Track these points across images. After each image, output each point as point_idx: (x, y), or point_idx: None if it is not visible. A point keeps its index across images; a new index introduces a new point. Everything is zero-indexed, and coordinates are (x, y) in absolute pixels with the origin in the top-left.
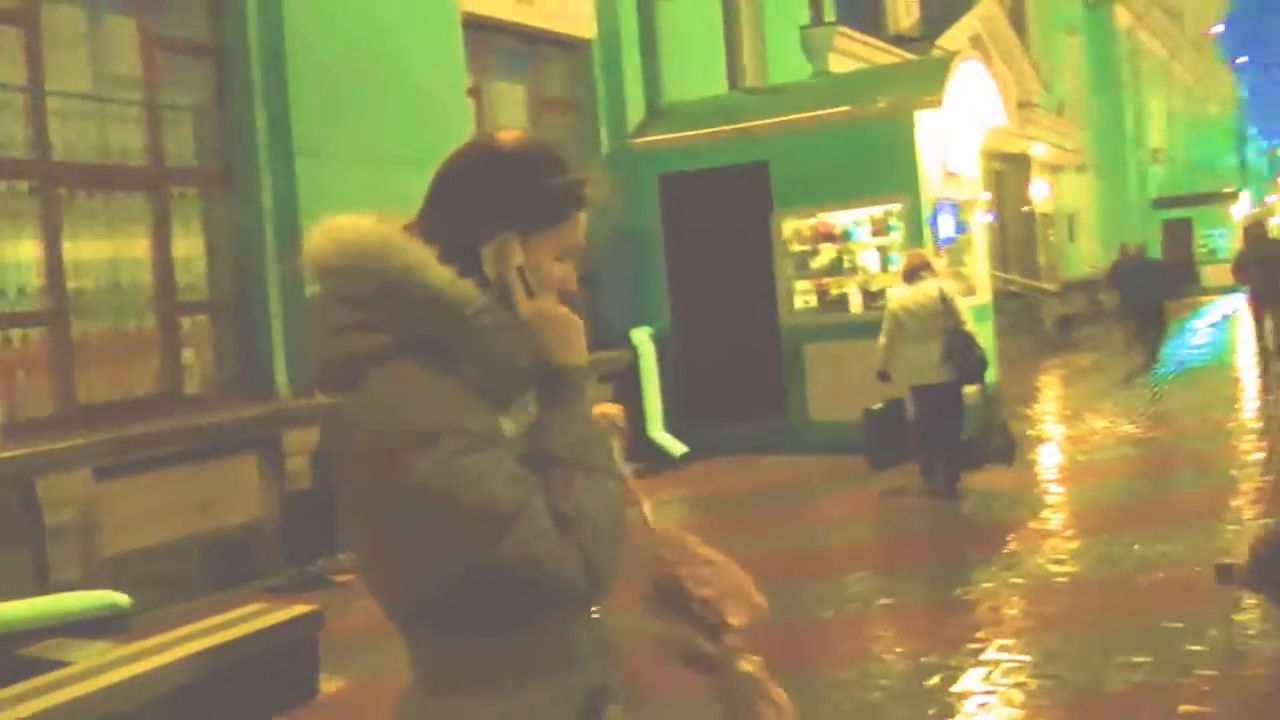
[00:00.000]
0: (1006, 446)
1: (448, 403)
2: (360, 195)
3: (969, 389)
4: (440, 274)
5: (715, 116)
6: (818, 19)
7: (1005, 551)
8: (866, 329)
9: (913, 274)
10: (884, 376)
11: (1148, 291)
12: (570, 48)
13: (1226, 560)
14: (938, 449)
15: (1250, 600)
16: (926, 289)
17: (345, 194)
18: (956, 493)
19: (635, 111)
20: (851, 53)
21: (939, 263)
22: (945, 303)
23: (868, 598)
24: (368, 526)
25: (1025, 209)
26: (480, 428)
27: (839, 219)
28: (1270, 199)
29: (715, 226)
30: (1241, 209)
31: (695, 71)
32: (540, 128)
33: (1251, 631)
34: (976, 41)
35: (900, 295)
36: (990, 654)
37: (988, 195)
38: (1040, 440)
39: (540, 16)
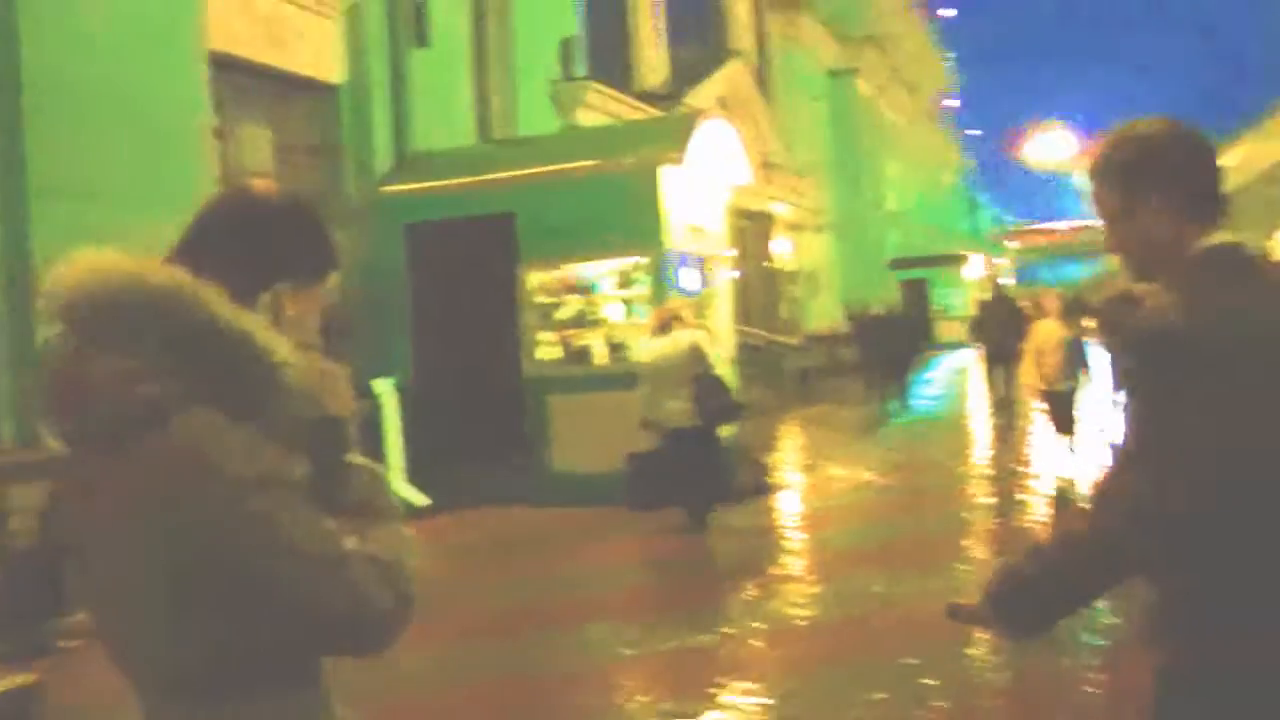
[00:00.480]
0: (760, 483)
1: (265, 452)
2: (98, 237)
3: (724, 430)
4: (251, 322)
5: (463, 167)
6: (568, 73)
7: (746, 597)
8: (610, 381)
9: (664, 326)
10: (647, 425)
11: (894, 346)
12: (319, 92)
13: (956, 600)
14: (697, 489)
15: (981, 636)
16: (678, 339)
17: (83, 235)
18: (706, 526)
19: (383, 159)
20: (601, 108)
21: (688, 313)
22: (695, 351)
23: (611, 648)
24: (160, 583)
25: (768, 265)
26: (299, 477)
27: (584, 271)
28: (999, 260)
29: (462, 277)
30: (972, 271)
31: (444, 121)
32: (287, 173)
33: (983, 665)
34: (722, 102)
35: (654, 346)
36: (729, 698)
37: (732, 251)
38: (781, 488)
39: (288, 59)
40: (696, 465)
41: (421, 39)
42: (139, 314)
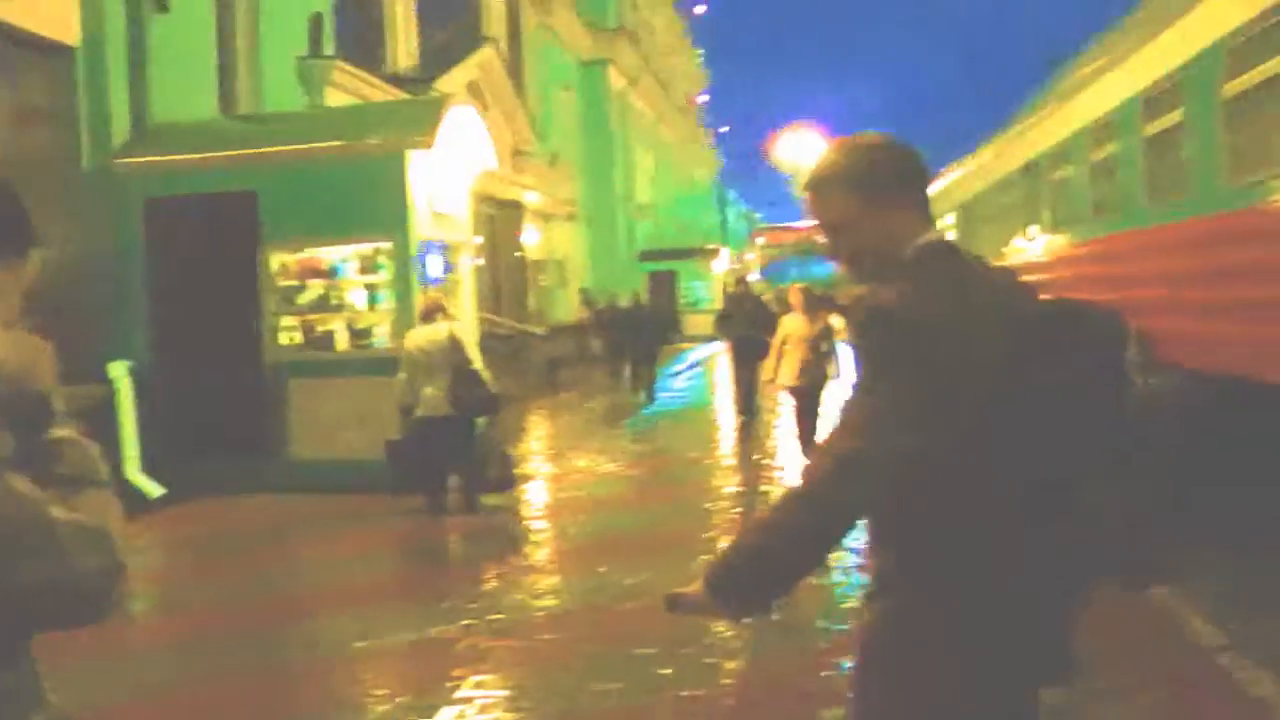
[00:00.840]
0: (507, 475)
1: None
2: None
3: (479, 421)
4: None
5: (205, 141)
6: (316, 51)
7: (486, 588)
8: (353, 366)
9: (428, 315)
10: (406, 411)
11: (642, 336)
12: (52, 53)
13: (676, 590)
14: (447, 478)
15: (721, 625)
16: (439, 330)
17: None
18: (477, 508)
19: (120, 129)
20: (349, 88)
21: (450, 304)
22: (454, 342)
23: (348, 641)
24: None
25: (517, 254)
26: (3, 453)
27: (328, 255)
28: (748, 256)
29: (202, 256)
30: (721, 264)
31: (186, 92)
32: (18, 139)
33: (721, 651)
34: (473, 88)
35: (415, 335)
36: (465, 692)
37: (479, 239)
38: (526, 478)
39: (18, 13)
40: (452, 453)
41: (161, 3)
42: None
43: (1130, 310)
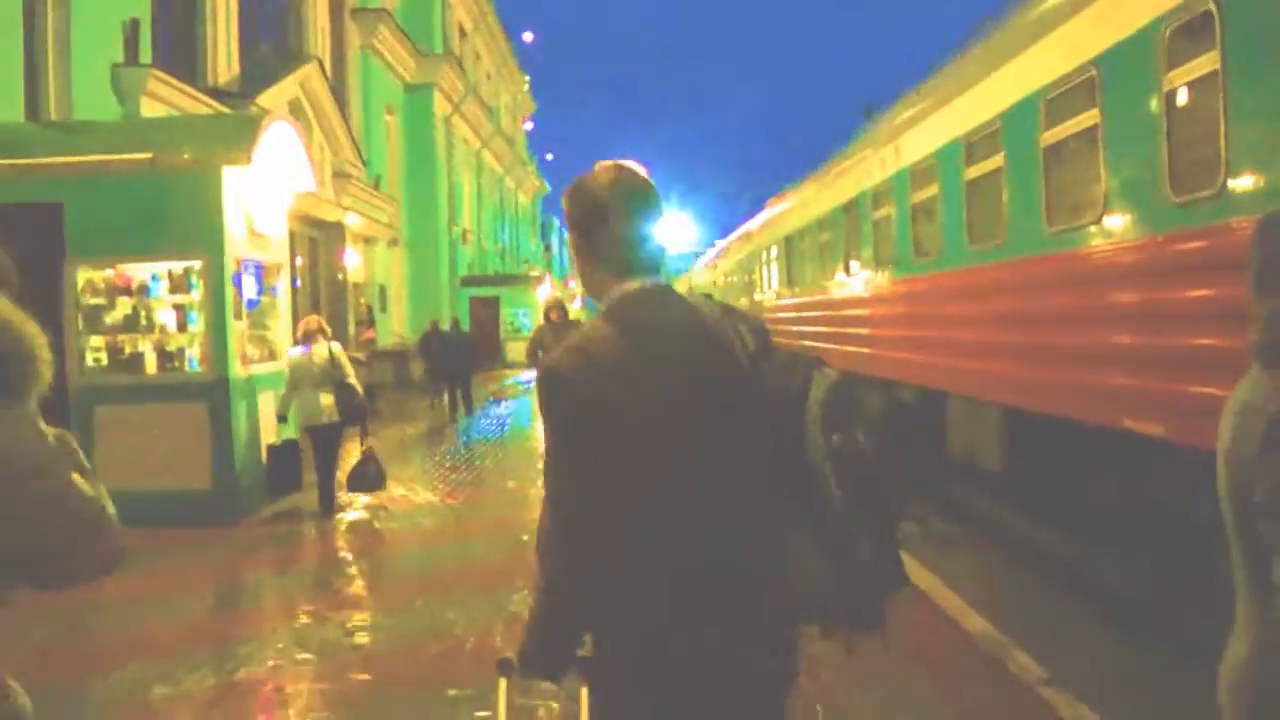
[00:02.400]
0: (377, 474)
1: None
2: None
3: (350, 428)
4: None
5: (7, 147)
6: (131, 58)
7: (296, 625)
8: (164, 392)
9: (309, 337)
10: (282, 419)
11: (456, 361)
12: None
13: (504, 655)
14: (328, 477)
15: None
16: (320, 350)
17: None
18: (335, 510)
19: None
20: (166, 99)
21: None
22: (334, 360)
23: (148, 687)
24: None
25: (339, 277)
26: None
27: (138, 272)
28: (571, 284)
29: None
30: (544, 291)
31: None
32: None
33: (540, 692)
34: (296, 106)
35: (298, 354)
36: None
37: (299, 260)
38: (340, 508)
39: None
40: (330, 456)
41: None
42: None
43: (939, 347)
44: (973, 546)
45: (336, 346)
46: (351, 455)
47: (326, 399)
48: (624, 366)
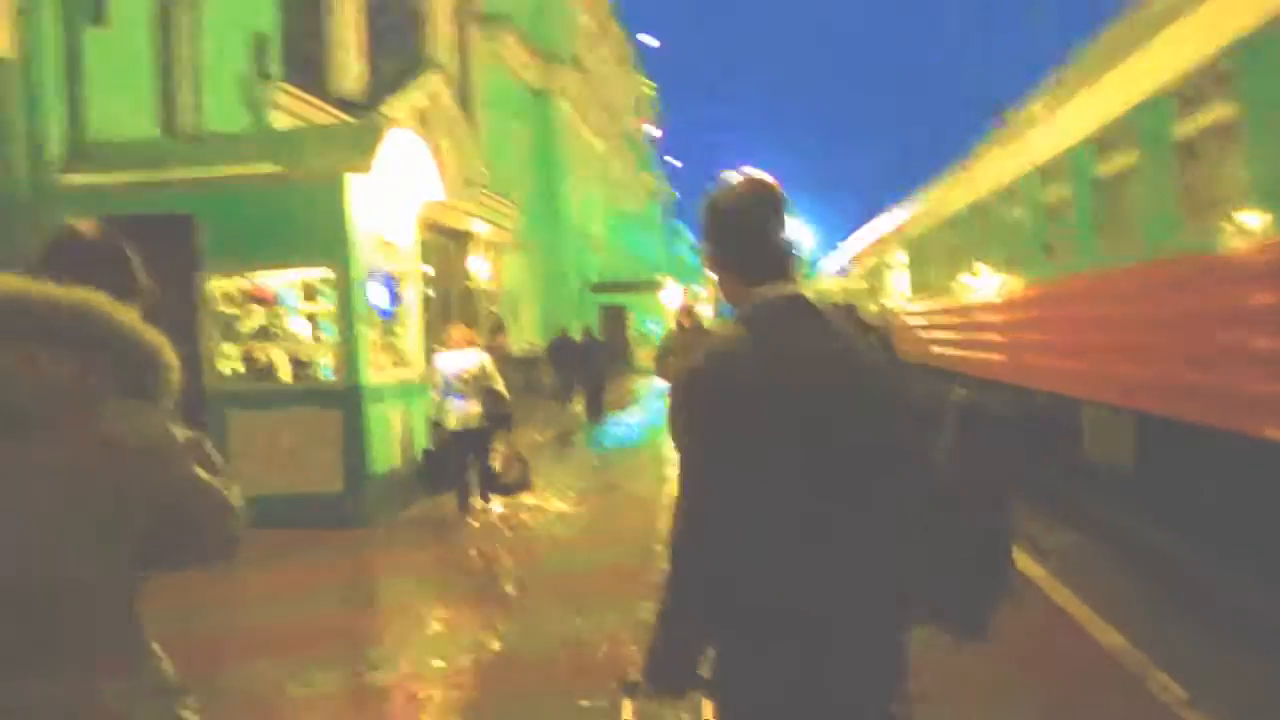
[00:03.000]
0: (525, 479)
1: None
2: None
3: (500, 434)
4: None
5: (143, 161)
6: (260, 72)
7: (430, 632)
8: (296, 398)
9: (459, 345)
10: (437, 425)
11: (590, 368)
12: None
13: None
14: (474, 479)
15: None
16: (469, 357)
17: None
18: (478, 512)
19: (57, 146)
20: (294, 111)
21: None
22: (484, 369)
23: (284, 686)
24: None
25: (467, 285)
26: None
27: (270, 282)
28: (700, 290)
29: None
30: (671, 298)
31: (125, 110)
32: None
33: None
34: (422, 114)
35: (449, 361)
36: None
37: (428, 268)
38: (476, 510)
39: None
40: (478, 459)
41: (99, 16)
42: (61, 321)
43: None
44: (1107, 560)
45: (485, 355)
46: (495, 460)
47: (475, 405)
48: (760, 373)
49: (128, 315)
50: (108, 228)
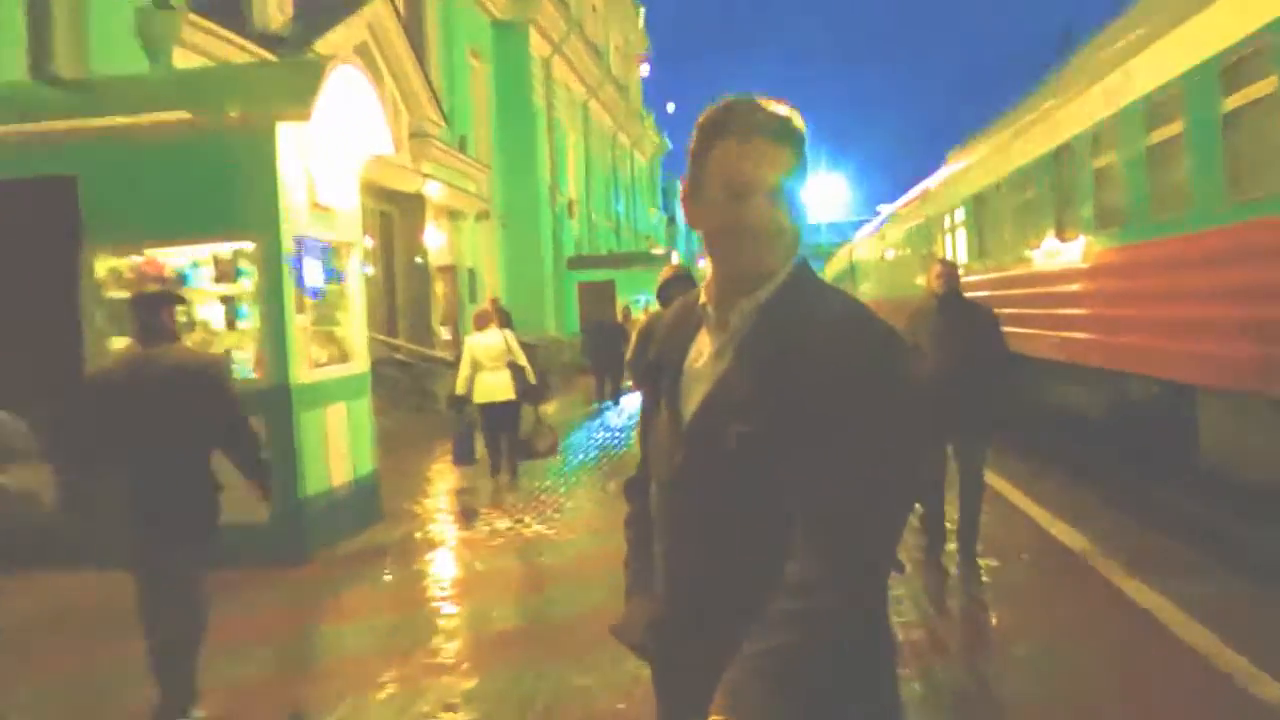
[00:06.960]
0: (553, 443)
1: None
2: None
3: (527, 408)
4: None
5: (10, 111)
6: (160, 1)
7: (381, 696)
8: None
9: (484, 321)
10: (461, 400)
11: (606, 351)
12: None
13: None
14: (504, 449)
15: None
16: (494, 335)
17: None
18: (518, 475)
19: None
20: (203, 48)
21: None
22: (509, 344)
23: None
24: None
25: (418, 260)
26: None
27: (173, 258)
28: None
29: (6, 257)
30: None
31: None
32: None
33: None
34: (363, 51)
35: (476, 339)
36: None
37: (370, 240)
38: (430, 546)
39: None
40: (509, 431)
41: None
42: None
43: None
44: (1220, 571)
45: (509, 333)
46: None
47: (503, 378)
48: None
49: None
50: None
